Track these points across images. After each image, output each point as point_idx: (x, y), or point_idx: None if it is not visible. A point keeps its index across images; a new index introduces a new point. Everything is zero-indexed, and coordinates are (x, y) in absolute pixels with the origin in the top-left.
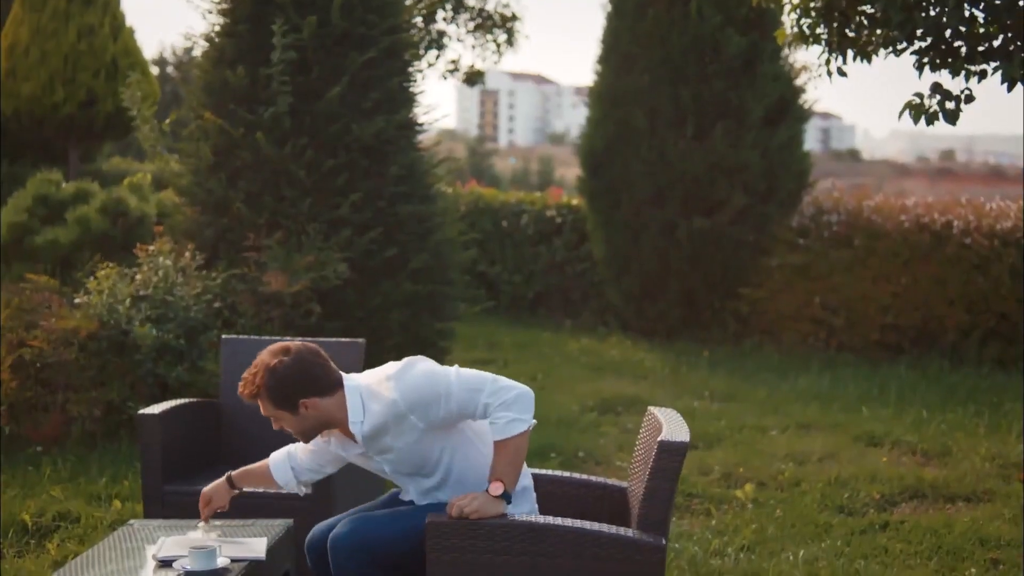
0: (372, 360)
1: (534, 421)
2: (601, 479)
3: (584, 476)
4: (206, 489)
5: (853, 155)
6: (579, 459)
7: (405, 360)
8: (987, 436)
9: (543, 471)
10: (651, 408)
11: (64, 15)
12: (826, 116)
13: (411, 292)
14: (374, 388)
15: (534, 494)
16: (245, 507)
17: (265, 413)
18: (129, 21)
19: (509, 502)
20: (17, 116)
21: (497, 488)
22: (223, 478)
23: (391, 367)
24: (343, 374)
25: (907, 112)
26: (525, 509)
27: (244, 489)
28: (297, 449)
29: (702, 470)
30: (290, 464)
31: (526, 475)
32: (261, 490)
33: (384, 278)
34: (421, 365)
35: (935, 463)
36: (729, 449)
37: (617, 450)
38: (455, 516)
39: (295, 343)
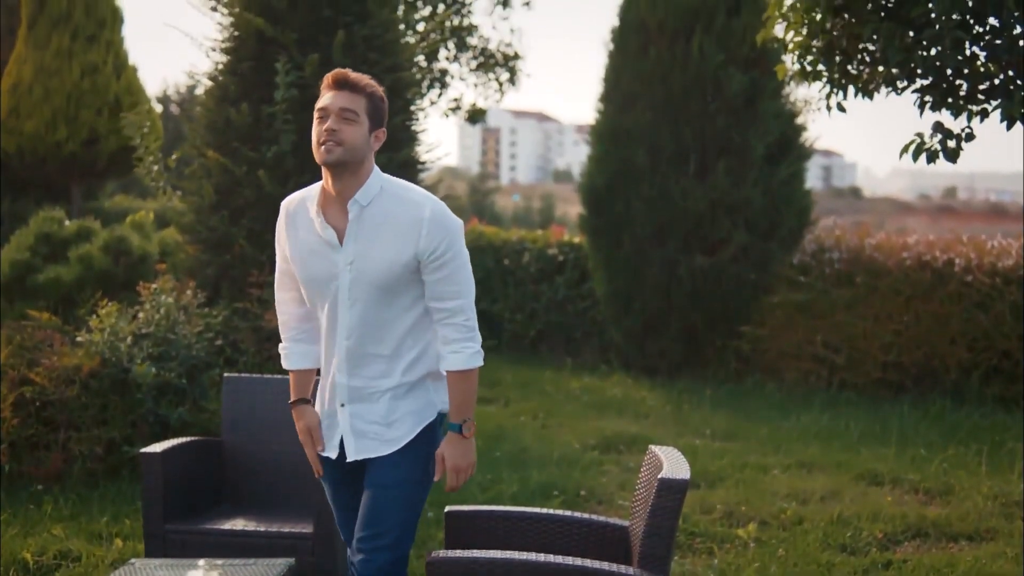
0: None
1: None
2: (603, 518)
3: (586, 515)
4: (301, 434)
5: (855, 193)
6: (581, 498)
7: (443, 204)
8: (989, 475)
9: (545, 511)
10: (652, 447)
11: (67, 53)
12: (828, 154)
13: None
14: (402, 192)
15: None
16: (247, 547)
17: (347, 105)
18: (132, 59)
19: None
20: (20, 153)
21: (470, 428)
22: (296, 411)
23: (427, 195)
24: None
25: (908, 152)
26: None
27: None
28: (287, 331)
29: (704, 509)
30: (306, 347)
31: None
32: (263, 529)
33: None
34: (456, 224)
35: (937, 502)
36: (731, 488)
37: (619, 489)
38: (454, 487)
39: None
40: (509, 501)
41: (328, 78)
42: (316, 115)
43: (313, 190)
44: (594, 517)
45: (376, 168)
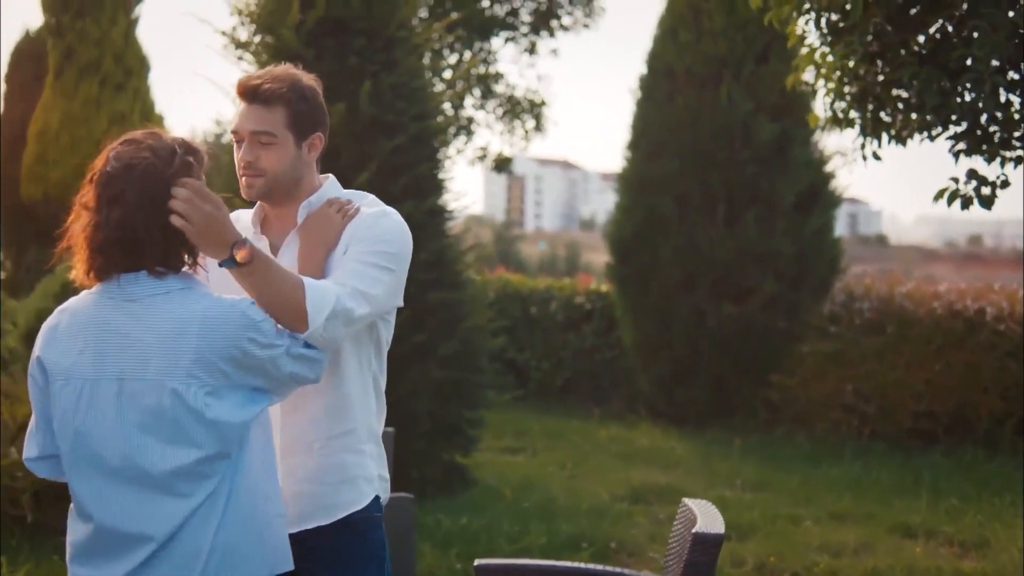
0: (399, 449)
1: (314, 329)
2: (634, 571)
3: (617, 568)
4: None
5: (881, 240)
6: (611, 550)
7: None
8: None
9: (575, 564)
10: (685, 500)
11: (95, 102)
12: (853, 201)
13: (440, 379)
14: (360, 196)
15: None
16: None
17: (260, 127)
18: (159, 107)
19: (233, 266)
20: (46, 201)
21: (242, 253)
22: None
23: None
24: None
25: (943, 197)
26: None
27: None
28: None
29: (735, 562)
30: None
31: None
32: None
33: (412, 365)
34: (407, 240)
35: (972, 555)
36: (762, 540)
37: (650, 541)
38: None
39: None
40: (538, 553)
41: (237, 87)
42: (232, 139)
43: (244, 211)
44: (625, 571)
45: (332, 178)
